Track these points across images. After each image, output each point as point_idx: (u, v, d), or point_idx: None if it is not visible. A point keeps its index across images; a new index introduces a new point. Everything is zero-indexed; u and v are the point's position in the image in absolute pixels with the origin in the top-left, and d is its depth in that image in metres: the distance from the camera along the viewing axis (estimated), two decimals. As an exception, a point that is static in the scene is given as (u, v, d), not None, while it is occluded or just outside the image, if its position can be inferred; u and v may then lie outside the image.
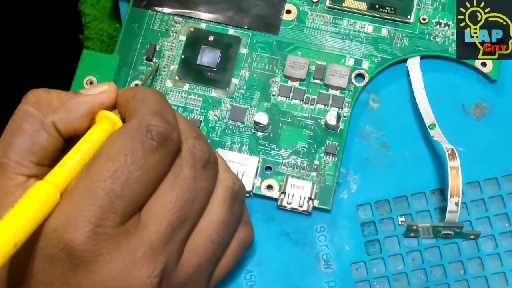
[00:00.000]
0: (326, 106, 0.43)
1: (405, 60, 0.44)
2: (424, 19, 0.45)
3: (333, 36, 0.45)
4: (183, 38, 0.45)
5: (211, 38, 0.45)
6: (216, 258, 0.36)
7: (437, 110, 0.43)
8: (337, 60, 0.44)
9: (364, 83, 0.44)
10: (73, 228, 0.30)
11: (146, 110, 0.33)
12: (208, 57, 0.44)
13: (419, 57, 0.44)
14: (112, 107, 0.35)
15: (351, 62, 0.44)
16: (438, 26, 0.44)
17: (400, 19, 0.45)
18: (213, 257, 0.35)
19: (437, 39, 0.44)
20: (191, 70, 0.44)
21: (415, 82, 0.44)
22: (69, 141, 0.34)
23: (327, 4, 0.45)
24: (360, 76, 0.44)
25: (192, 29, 0.45)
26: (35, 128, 0.34)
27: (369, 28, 0.45)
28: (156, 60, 0.45)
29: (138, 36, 0.45)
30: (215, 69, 0.44)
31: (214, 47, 0.45)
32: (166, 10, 0.46)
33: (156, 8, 0.46)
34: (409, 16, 0.44)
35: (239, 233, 0.37)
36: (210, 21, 0.45)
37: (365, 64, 0.44)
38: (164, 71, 0.44)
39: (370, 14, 0.45)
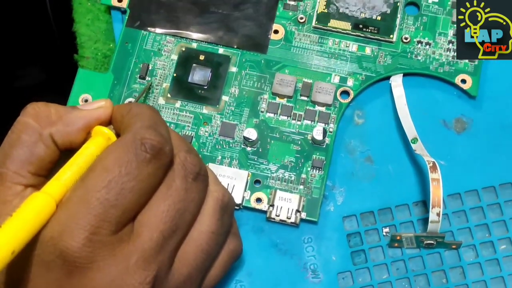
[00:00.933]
0: (313, 122, 0.45)
1: (388, 78, 0.46)
2: (406, 38, 0.46)
3: (319, 55, 0.46)
4: (175, 57, 0.47)
5: (202, 57, 0.47)
6: (206, 268, 0.37)
7: (419, 125, 0.44)
8: (323, 77, 0.46)
9: (349, 100, 0.45)
10: (69, 236, 0.31)
11: (140, 124, 0.34)
12: (199, 75, 0.46)
13: (402, 74, 0.46)
14: (107, 122, 0.37)
15: (336, 79, 0.46)
16: (419, 45, 0.46)
17: (383, 39, 0.46)
18: (203, 266, 0.36)
19: (419, 57, 0.46)
20: (182, 88, 0.46)
21: (398, 98, 0.45)
22: (65, 153, 0.36)
23: (313, 24, 0.47)
24: (345, 93, 0.46)
25: (183, 49, 0.47)
26: (33, 140, 0.35)
27: (353, 47, 0.47)
28: (149, 78, 0.46)
29: (132, 55, 0.47)
30: (205, 87, 0.46)
31: (205, 66, 0.46)
32: (158, 30, 0.47)
33: (149, 28, 0.47)
34: (391, 36, 0.46)
35: (228, 245, 0.38)
36: (201, 40, 0.47)
37: (350, 82, 0.46)
38: (156, 89, 0.46)
39: (354, 33, 0.47)
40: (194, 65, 0.46)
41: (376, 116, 0.46)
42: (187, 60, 0.47)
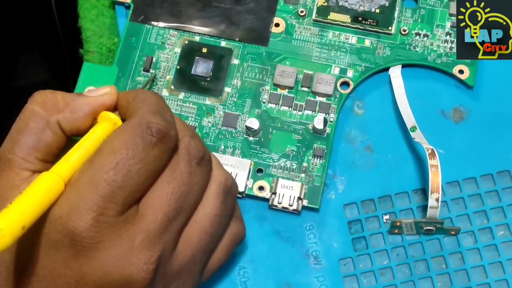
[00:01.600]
0: (314, 112, 0.46)
1: (387, 69, 0.47)
2: (404, 31, 0.47)
3: (319, 47, 0.47)
4: (178, 50, 0.48)
5: (204, 50, 0.48)
6: (209, 250, 0.38)
7: (418, 115, 0.45)
8: (323, 69, 0.47)
9: (349, 90, 0.46)
10: (77, 216, 0.32)
11: (146, 109, 0.35)
12: (201, 68, 0.47)
13: (400, 65, 0.47)
14: (113, 108, 0.38)
15: (336, 71, 0.47)
16: (417, 37, 0.47)
17: (382, 31, 0.47)
18: (207, 248, 0.37)
19: (417, 49, 0.47)
20: (186, 80, 0.47)
21: (397, 89, 0.46)
22: (71, 139, 0.37)
23: (313, 17, 0.48)
24: (345, 84, 0.47)
25: (186, 42, 0.48)
26: (41, 127, 0.36)
27: (353, 39, 0.48)
28: (153, 71, 0.47)
29: (136, 49, 0.48)
30: (208, 79, 0.47)
31: (208, 58, 0.47)
32: (161, 24, 0.48)
33: (152, 22, 0.48)
34: (390, 28, 0.47)
35: (231, 228, 0.39)
36: (204, 34, 0.48)
37: (350, 73, 0.47)
38: (160, 81, 0.47)
39: (353, 26, 0.48)
40: (197, 57, 0.47)
41: (376, 107, 0.47)
42: (190, 53, 0.47)
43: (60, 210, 0.32)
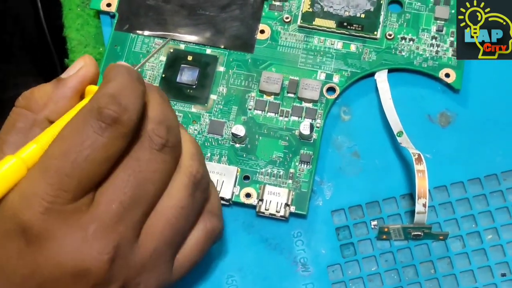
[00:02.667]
0: (300, 118, 0.46)
1: (373, 74, 0.47)
2: (390, 35, 0.47)
3: (305, 52, 0.47)
4: (163, 58, 0.48)
5: (189, 58, 0.47)
6: (175, 243, 0.36)
7: (405, 120, 0.45)
8: (309, 74, 0.47)
9: (335, 96, 0.46)
10: (26, 204, 0.31)
11: (103, 91, 0.33)
12: (187, 76, 0.47)
13: (386, 70, 0.47)
14: (96, 77, 0.37)
15: (322, 76, 0.47)
16: (403, 41, 0.47)
17: (368, 36, 0.47)
18: (172, 241, 0.36)
19: (403, 53, 0.47)
20: (171, 88, 0.47)
21: (383, 93, 0.46)
22: None
23: (299, 23, 0.48)
24: (331, 89, 0.46)
25: (171, 50, 0.48)
26: (28, 126, 0.35)
27: (338, 44, 0.47)
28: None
29: (121, 58, 0.48)
30: (194, 87, 0.47)
31: (193, 66, 0.47)
32: (146, 33, 0.48)
33: (137, 31, 0.48)
34: (375, 33, 0.47)
35: (205, 223, 0.38)
36: (189, 42, 0.48)
37: (336, 78, 0.47)
38: (146, 89, 0.47)
39: (339, 31, 0.47)
40: (182, 65, 0.47)
41: (362, 112, 0.47)
42: (175, 61, 0.47)
43: (12, 198, 0.32)
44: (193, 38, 0.48)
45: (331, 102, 0.46)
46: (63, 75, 0.37)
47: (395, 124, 0.45)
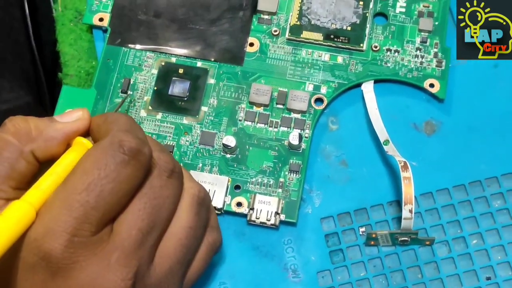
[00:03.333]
0: (289, 129, 0.47)
1: (359, 85, 0.48)
2: (375, 47, 0.48)
3: (293, 64, 0.48)
4: (155, 71, 0.49)
5: (181, 71, 0.49)
6: (186, 261, 0.38)
7: (391, 129, 0.46)
8: (298, 86, 0.48)
9: (323, 107, 0.47)
10: (52, 238, 0.32)
11: (117, 129, 0.35)
12: (178, 88, 0.48)
13: (373, 81, 0.48)
14: (86, 133, 0.38)
15: (310, 87, 0.48)
16: (388, 53, 0.48)
17: (354, 48, 0.48)
18: (184, 260, 0.37)
19: (388, 64, 0.48)
20: (163, 100, 0.48)
21: (370, 103, 0.47)
22: (44, 164, 0.37)
23: (287, 36, 0.49)
24: (319, 100, 0.48)
25: (163, 63, 0.49)
26: (14, 157, 0.36)
27: (325, 56, 0.49)
28: (131, 92, 0.48)
29: (113, 71, 0.49)
30: (185, 99, 0.48)
31: (184, 79, 0.48)
32: (138, 46, 0.49)
33: (129, 45, 0.49)
34: (361, 45, 0.48)
35: (207, 238, 0.40)
36: (180, 55, 0.49)
37: (323, 89, 0.48)
38: (138, 102, 0.48)
39: (326, 44, 0.49)
40: (173, 78, 0.48)
41: (350, 122, 0.48)
42: (167, 74, 0.48)
43: (35, 233, 0.33)
44: (183, 51, 0.49)
45: (319, 113, 0.47)
46: (58, 118, 0.38)
47: (382, 133, 0.46)
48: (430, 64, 0.48)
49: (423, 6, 0.49)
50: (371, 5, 0.49)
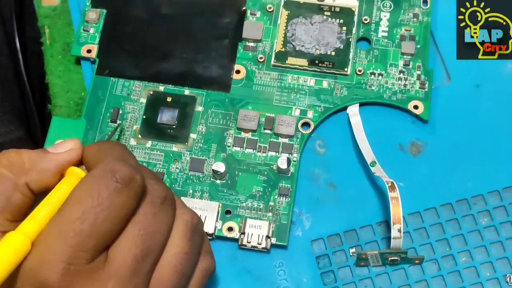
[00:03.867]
0: (277, 153, 0.48)
1: (345, 108, 0.49)
2: (359, 71, 0.49)
3: (279, 90, 0.49)
4: (143, 100, 0.49)
5: (169, 99, 0.49)
6: (182, 287, 0.39)
7: (377, 150, 0.47)
8: (284, 111, 0.49)
9: (310, 131, 0.48)
10: (48, 267, 0.33)
11: (110, 157, 0.36)
12: (167, 116, 0.49)
13: (358, 104, 0.49)
14: (79, 162, 0.39)
15: (297, 112, 0.49)
16: (372, 76, 0.49)
17: (338, 72, 0.49)
18: (178, 286, 0.38)
19: (373, 88, 0.49)
20: (152, 129, 0.49)
21: (356, 126, 0.48)
22: (39, 195, 0.38)
23: (272, 62, 0.50)
24: (306, 124, 0.48)
25: (151, 92, 0.50)
26: (9, 189, 0.36)
27: (311, 81, 0.50)
28: (120, 122, 0.49)
29: (103, 101, 0.49)
30: (174, 126, 0.48)
31: (172, 107, 0.49)
32: (126, 76, 0.50)
33: (117, 75, 0.50)
34: (346, 69, 0.49)
35: (201, 263, 0.40)
36: (168, 84, 0.50)
37: (310, 114, 0.49)
38: (128, 131, 0.48)
39: (311, 69, 0.50)
40: (162, 106, 0.49)
41: (337, 145, 0.49)
42: (155, 102, 0.49)
43: (31, 263, 0.33)
44: (171, 80, 0.50)
45: (307, 137, 0.48)
46: (50, 149, 0.39)
47: (368, 154, 0.47)
48: (414, 86, 0.49)
49: (405, 30, 0.51)
50: (354, 30, 0.50)
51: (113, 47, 0.51)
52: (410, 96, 0.49)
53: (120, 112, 0.49)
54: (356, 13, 0.51)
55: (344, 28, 0.51)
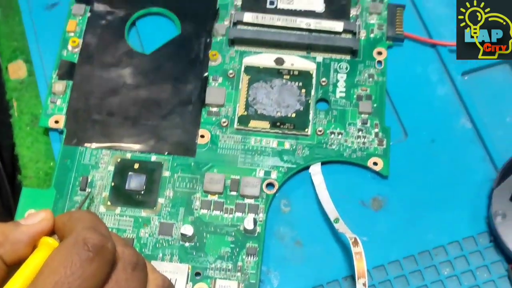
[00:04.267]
0: (244, 214, 0.49)
1: (308, 167, 0.51)
2: (320, 131, 0.51)
3: (243, 153, 0.51)
4: (111, 168, 0.51)
5: (136, 166, 0.51)
6: None
7: (340, 207, 0.49)
8: (249, 173, 0.50)
9: (275, 191, 0.50)
10: None
11: (81, 226, 0.37)
12: (135, 182, 0.50)
13: (320, 163, 0.51)
14: (51, 232, 0.40)
15: (261, 173, 0.50)
16: (332, 135, 0.51)
17: (300, 133, 0.51)
18: None
19: (333, 147, 0.51)
20: (121, 195, 0.50)
21: (318, 185, 0.50)
22: (12, 266, 0.38)
23: (235, 126, 0.52)
24: (270, 185, 0.50)
25: (119, 160, 0.51)
26: None
27: (273, 143, 0.51)
28: (89, 190, 0.50)
29: (71, 170, 0.51)
30: (142, 192, 0.50)
31: (140, 173, 0.50)
32: (94, 145, 0.51)
33: (85, 144, 0.51)
34: (306, 130, 0.51)
35: None
36: (134, 150, 0.51)
37: (274, 174, 0.50)
38: (97, 198, 0.50)
39: (273, 131, 0.52)
40: (130, 173, 0.50)
41: (301, 203, 0.50)
42: (123, 170, 0.50)
43: None
44: (138, 147, 0.51)
45: (271, 197, 0.50)
46: (22, 221, 0.39)
47: (332, 212, 0.48)
48: (372, 144, 0.51)
49: (361, 90, 0.53)
50: (312, 92, 0.52)
51: (80, 117, 0.52)
52: (369, 153, 0.51)
53: (89, 180, 0.50)
54: (314, 75, 0.53)
55: (303, 90, 0.53)
